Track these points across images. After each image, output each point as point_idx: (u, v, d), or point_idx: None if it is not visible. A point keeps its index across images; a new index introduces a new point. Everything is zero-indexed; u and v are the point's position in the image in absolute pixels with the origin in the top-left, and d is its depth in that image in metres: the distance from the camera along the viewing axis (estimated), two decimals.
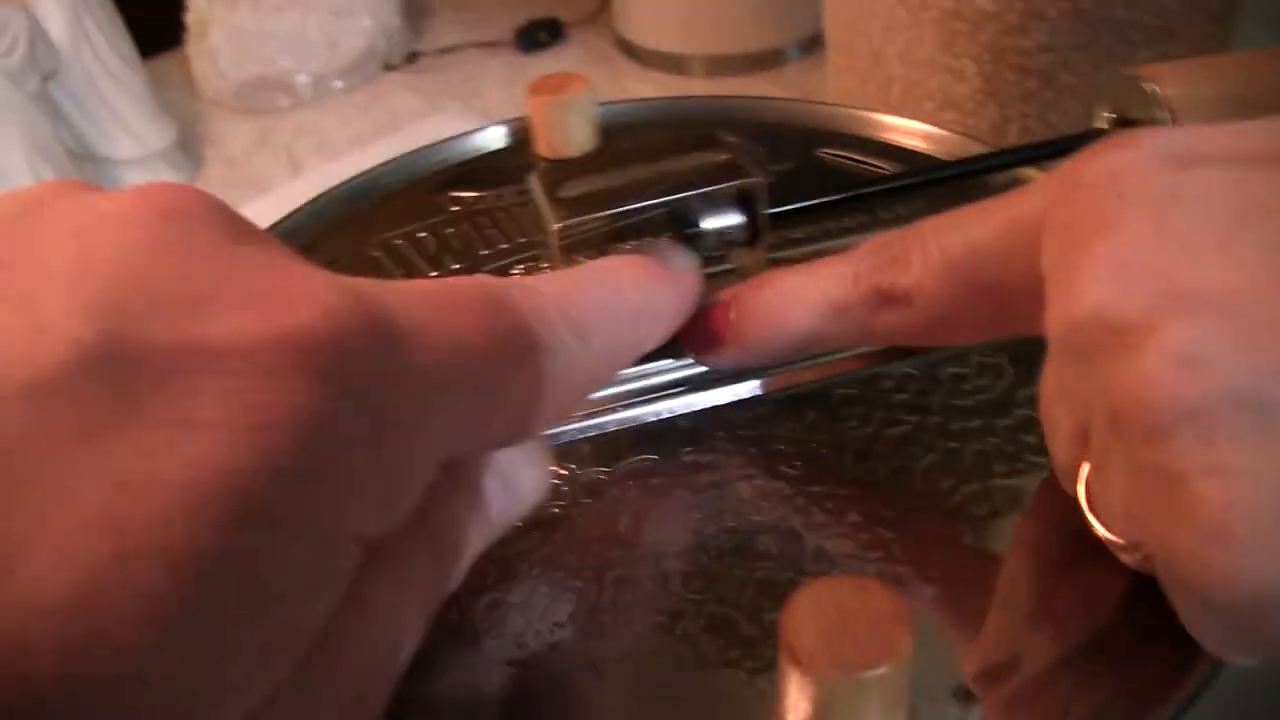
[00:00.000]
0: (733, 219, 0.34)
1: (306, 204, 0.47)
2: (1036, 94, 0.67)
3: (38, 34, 0.84)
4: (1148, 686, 0.26)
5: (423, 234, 0.45)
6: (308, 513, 0.19)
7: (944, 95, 0.70)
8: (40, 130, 0.86)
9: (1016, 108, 0.68)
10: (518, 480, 0.27)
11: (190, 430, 0.18)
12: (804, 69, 1.03)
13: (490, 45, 1.17)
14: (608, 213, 0.33)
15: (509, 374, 0.24)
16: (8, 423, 0.17)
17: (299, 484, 0.18)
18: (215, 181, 1.02)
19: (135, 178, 0.97)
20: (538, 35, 1.14)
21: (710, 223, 0.34)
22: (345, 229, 0.46)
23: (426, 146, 0.50)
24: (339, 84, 1.13)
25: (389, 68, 1.15)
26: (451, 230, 0.45)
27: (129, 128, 0.96)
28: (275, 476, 0.18)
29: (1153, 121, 0.36)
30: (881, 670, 0.23)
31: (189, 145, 1.07)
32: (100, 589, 0.17)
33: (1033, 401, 0.33)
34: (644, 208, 0.33)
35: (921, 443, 0.33)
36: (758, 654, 0.28)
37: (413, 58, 1.16)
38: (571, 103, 0.45)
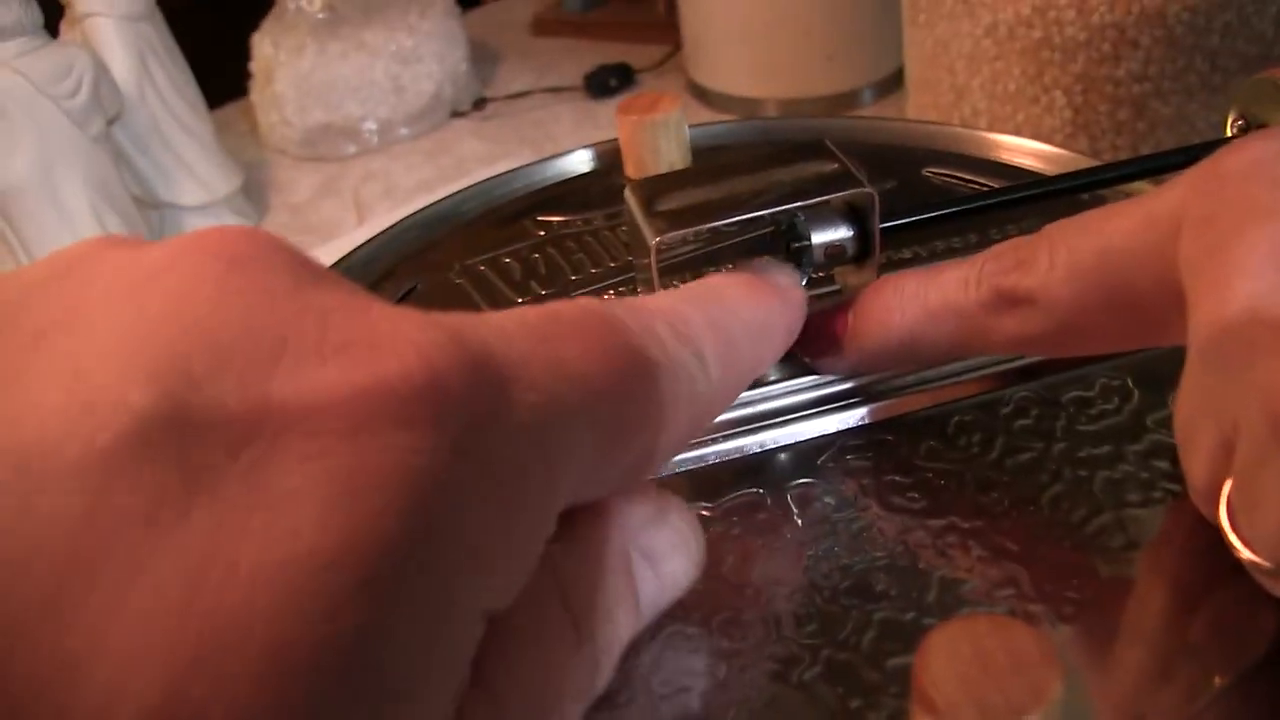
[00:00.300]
0: (842, 233, 0.32)
1: (383, 231, 0.46)
2: (1129, 125, 0.65)
3: (102, 76, 0.84)
4: None
5: (508, 259, 0.43)
6: (420, 587, 0.16)
7: (1032, 128, 0.68)
8: (105, 174, 0.85)
9: (1108, 140, 0.66)
10: (666, 562, 0.25)
11: (273, 505, 0.15)
12: (880, 110, 1.01)
13: (559, 91, 1.16)
14: (709, 225, 0.31)
15: (626, 401, 0.21)
16: (61, 511, 0.15)
17: (407, 554, 0.16)
18: (280, 228, 1.02)
19: (200, 224, 0.96)
20: (608, 80, 1.13)
21: (819, 236, 0.32)
22: (425, 256, 0.44)
23: (509, 171, 0.48)
24: (405, 131, 1.13)
25: (456, 114, 1.15)
26: (538, 255, 0.43)
27: (194, 173, 0.96)
28: (379, 549, 0.15)
29: None
30: (1032, 717, 0.21)
31: (254, 192, 1.06)
32: (180, 702, 0.14)
33: (1164, 425, 0.31)
34: (747, 220, 0.31)
35: (1047, 470, 0.31)
36: (880, 703, 0.25)
37: (480, 104, 1.15)
38: (663, 122, 0.43)
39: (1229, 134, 0.36)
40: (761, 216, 0.31)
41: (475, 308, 0.40)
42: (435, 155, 1.10)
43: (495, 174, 0.48)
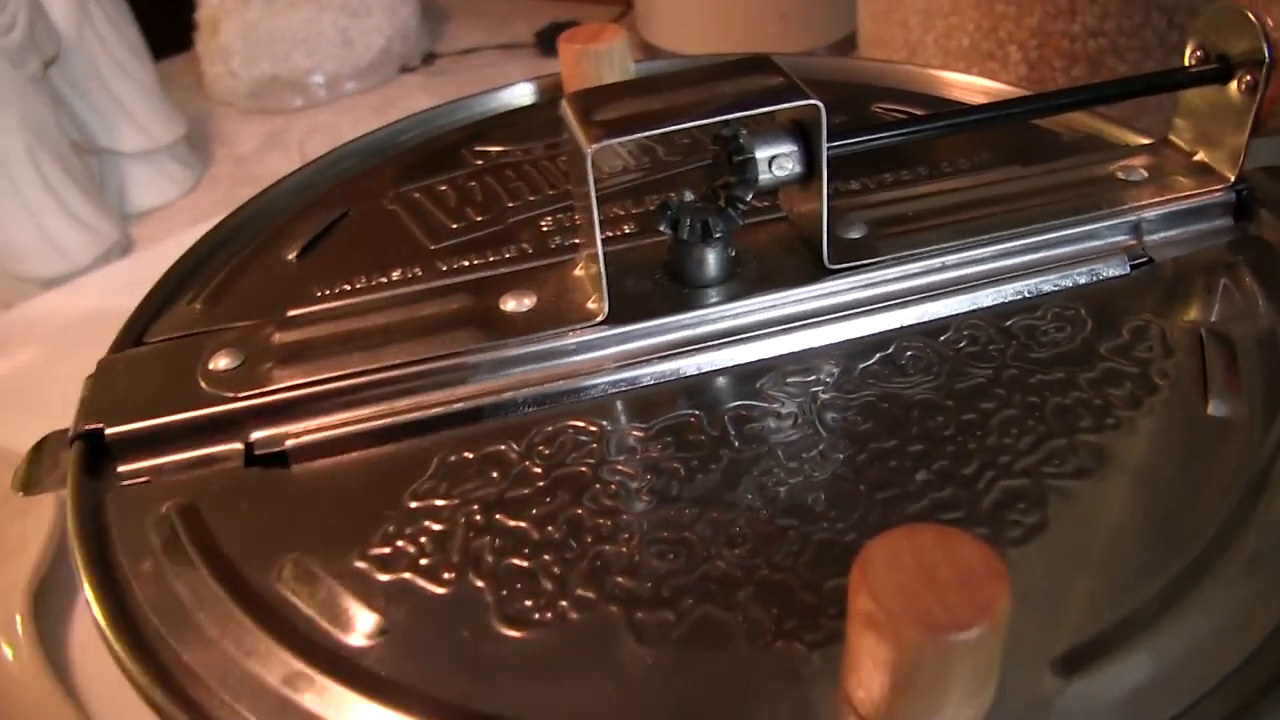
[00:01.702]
0: (787, 147, 0.31)
1: (316, 159, 0.44)
2: (1084, 81, 0.64)
3: (38, 14, 0.81)
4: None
5: (444, 187, 0.41)
6: None
7: None
8: (41, 116, 0.82)
9: None
10: None
11: None
12: None
13: (509, 48, 1.14)
14: (649, 132, 0.29)
15: None
16: None
17: None
18: (224, 179, 0.99)
19: (140, 172, 0.94)
20: (558, 38, 1.11)
21: (764, 151, 0.31)
22: (358, 183, 0.43)
23: (449, 103, 0.47)
24: (353, 85, 1.10)
25: (405, 69, 1.12)
26: (474, 184, 0.41)
27: (135, 119, 0.92)
28: None
29: (1253, 55, 0.33)
30: (975, 632, 0.19)
31: (198, 144, 1.04)
32: None
33: (1118, 353, 0.30)
34: (689, 128, 0.30)
35: (996, 396, 0.29)
36: (818, 624, 0.24)
37: (430, 59, 1.13)
38: (606, 53, 0.42)
39: (1188, 64, 0.35)
40: (705, 137, 0.30)
41: (409, 234, 0.39)
42: (383, 110, 1.08)
43: (434, 105, 0.47)
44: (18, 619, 0.46)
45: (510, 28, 1.19)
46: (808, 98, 0.30)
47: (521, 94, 0.47)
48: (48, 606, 0.47)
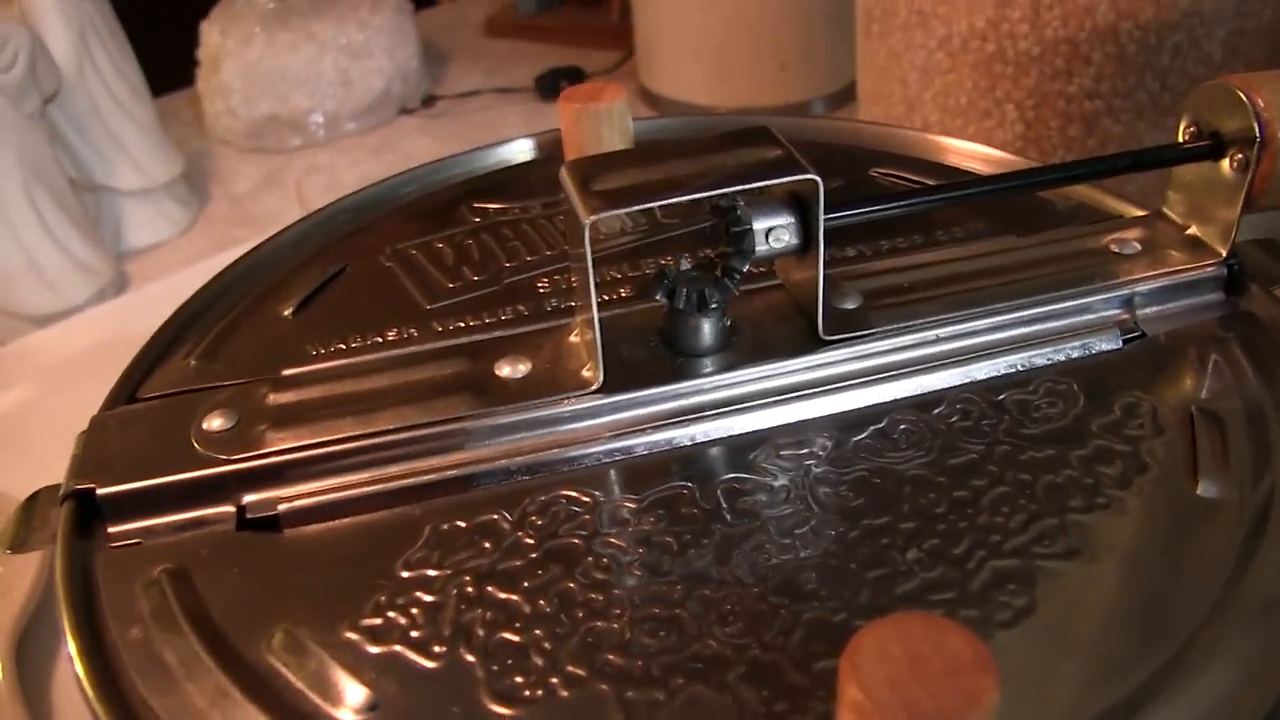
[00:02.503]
0: (784, 219, 0.31)
1: (315, 212, 0.44)
2: (1079, 141, 0.65)
3: (40, 52, 0.82)
4: None
5: (440, 244, 0.41)
6: None
7: (983, 142, 0.67)
8: (39, 153, 0.83)
9: (1059, 155, 0.66)
10: None
11: None
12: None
13: (509, 92, 1.14)
14: (647, 205, 0.29)
15: None
16: None
17: None
18: (219, 219, 1.00)
19: (137, 210, 0.94)
20: (559, 83, 1.11)
21: (761, 222, 0.31)
22: (356, 238, 0.43)
23: (448, 157, 0.47)
24: (352, 125, 1.11)
25: (405, 111, 1.13)
26: (471, 242, 0.41)
27: (133, 158, 0.93)
28: None
29: (1245, 133, 0.33)
30: None
31: (195, 181, 1.04)
32: None
33: (1109, 431, 0.30)
34: (687, 202, 0.30)
35: (988, 473, 0.30)
36: (807, 706, 0.24)
37: (430, 101, 1.13)
38: (606, 112, 0.42)
39: (1181, 139, 0.36)
40: (703, 204, 0.30)
41: (405, 292, 0.39)
42: (381, 151, 1.08)
43: (433, 160, 0.47)
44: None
45: (510, 72, 1.20)
46: (806, 172, 0.30)
47: (520, 150, 0.48)
48: (32, 652, 0.47)
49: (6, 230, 0.79)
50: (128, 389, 0.36)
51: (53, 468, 0.34)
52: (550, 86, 1.12)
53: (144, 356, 0.37)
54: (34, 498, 0.33)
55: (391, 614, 0.27)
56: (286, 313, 0.38)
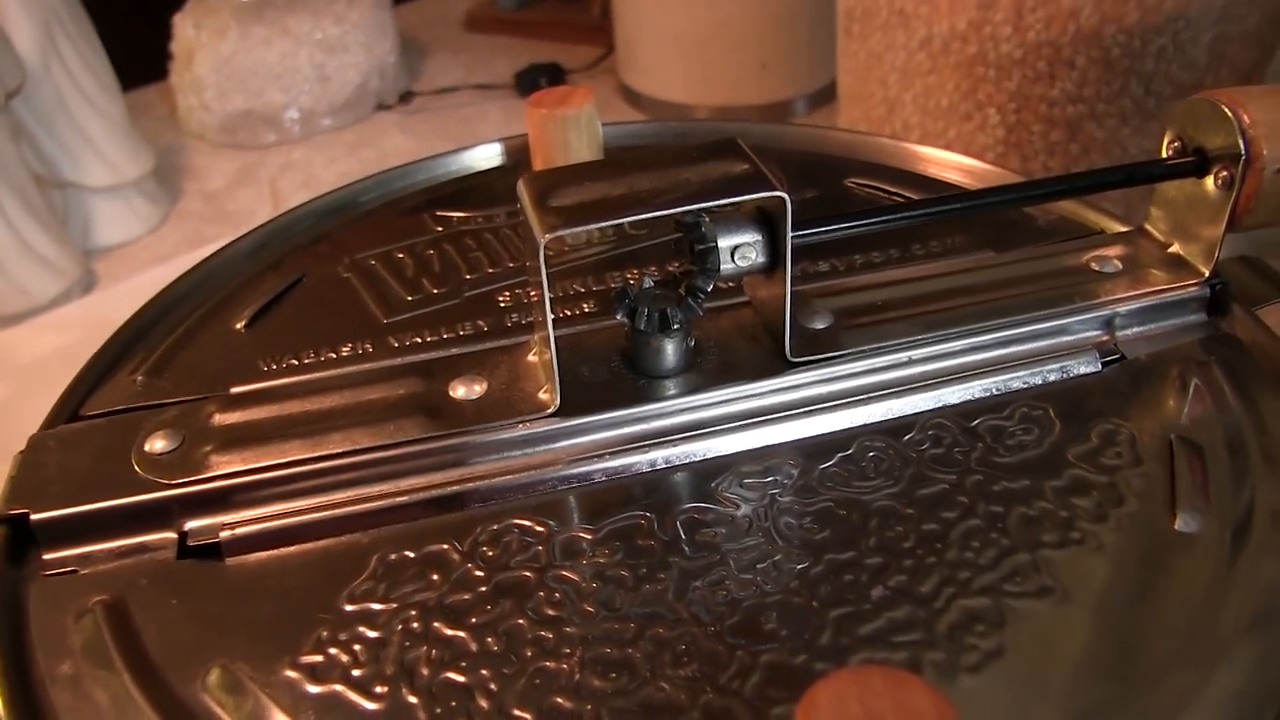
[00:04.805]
0: (751, 237, 0.30)
1: (274, 219, 0.43)
2: (1061, 146, 0.64)
3: (2, 45, 0.80)
4: None
5: (401, 254, 0.40)
6: None
7: (964, 145, 0.66)
8: (1, 149, 0.81)
9: (1040, 160, 0.65)
10: None
11: None
12: (813, 121, 1.00)
13: (488, 88, 1.13)
14: (604, 224, 0.28)
15: None
16: None
17: None
18: (192, 215, 0.98)
19: (106, 207, 0.93)
20: (538, 79, 1.11)
21: (726, 240, 0.30)
22: (315, 247, 0.41)
23: (410, 163, 0.45)
24: (328, 121, 1.10)
25: (382, 107, 1.12)
26: (432, 252, 0.40)
27: (101, 154, 0.92)
28: None
29: (1230, 150, 0.32)
30: None
31: (167, 178, 1.03)
32: None
33: (1085, 459, 0.29)
34: (648, 219, 0.29)
35: (958, 505, 0.28)
36: None
37: (407, 97, 1.12)
38: (574, 118, 0.40)
39: (1164, 155, 0.34)
40: (667, 217, 0.29)
41: (363, 305, 0.38)
42: (358, 148, 1.07)
43: (396, 165, 0.46)
44: None
45: (489, 67, 1.19)
46: (773, 188, 0.29)
47: (488, 155, 0.47)
48: None
49: None
50: (70, 406, 0.34)
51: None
52: (530, 83, 1.11)
53: (88, 371, 0.36)
54: None
55: (333, 650, 0.26)
56: (239, 325, 0.37)
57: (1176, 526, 0.28)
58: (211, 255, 0.41)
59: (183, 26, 1.08)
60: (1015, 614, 0.26)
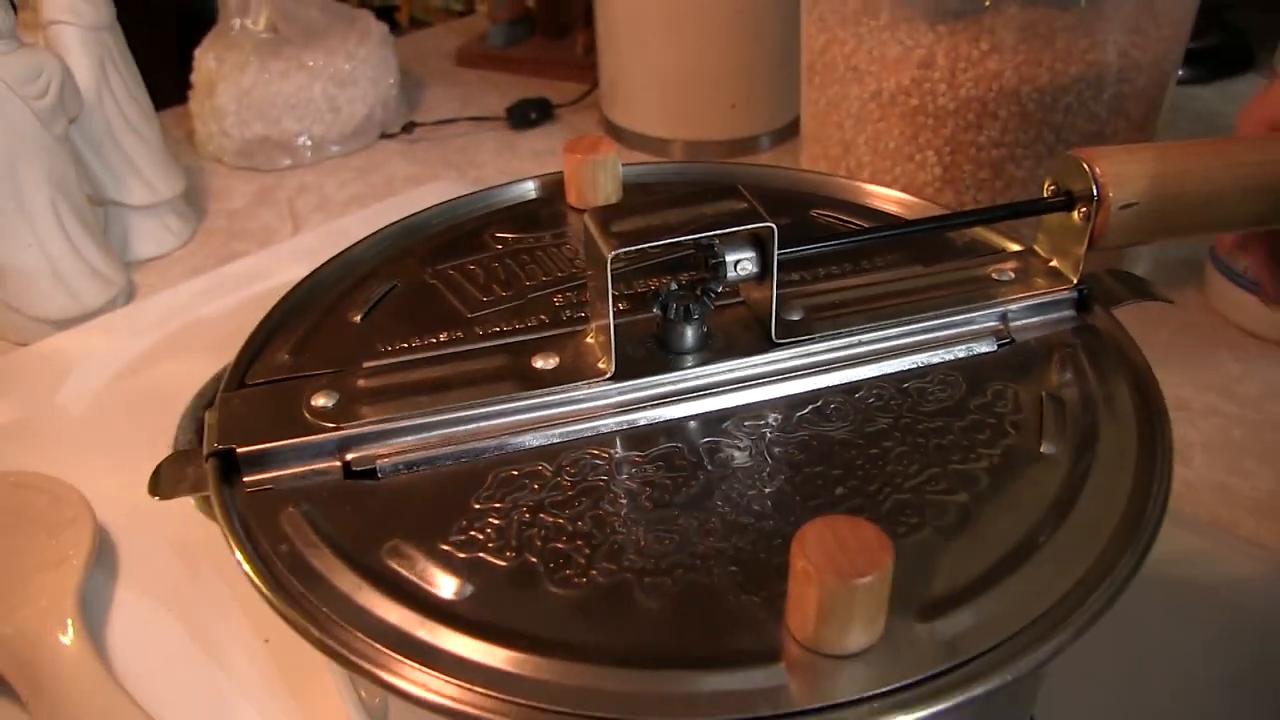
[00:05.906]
0: (749, 254, 0.42)
1: (365, 238, 0.55)
2: (988, 183, 0.76)
3: (69, 79, 0.90)
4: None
5: (473, 266, 0.52)
6: None
7: (907, 181, 0.78)
8: (64, 172, 0.90)
9: (971, 194, 0.77)
10: None
11: None
12: (776, 156, 1.12)
13: (482, 120, 1.24)
14: (653, 244, 0.41)
15: None
16: None
17: None
18: (217, 233, 1.07)
19: (143, 224, 1.02)
20: (529, 113, 1.20)
21: (731, 256, 0.42)
22: (401, 261, 0.53)
23: (470, 194, 0.58)
24: (337, 148, 1.20)
25: (386, 136, 1.22)
26: (497, 264, 0.52)
27: (141, 175, 1.00)
28: None
29: (1086, 193, 0.45)
30: (869, 578, 0.31)
31: (192, 197, 1.11)
32: None
33: (983, 408, 0.42)
34: (681, 242, 0.41)
35: (894, 437, 0.41)
36: (769, 584, 0.35)
37: (409, 128, 1.22)
38: (603, 162, 0.53)
39: (1045, 195, 0.47)
40: (688, 239, 0.41)
41: (449, 304, 0.50)
42: (365, 173, 1.17)
43: (459, 195, 0.58)
44: (69, 621, 0.56)
45: (482, 100, 1.29)
46: (764, 220, 0.41)
47: (528, 189, 0.59)
48: (90, 608, 0.58)
49: (34, 241, 0.87)
50: (237, 376, 0.46)
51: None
52: (520, 117, 1.20)
53: (246, 351, 0.47)
54: (169, 459, 0.43)
55: (472, 533, 0.38)
56: (356, 318, 0.49)
57: (1042, 450, 0.40)
58: (314, 271, 0.52)
59: (204, 59, 1.17)
60: (931, 505, 0.38)
